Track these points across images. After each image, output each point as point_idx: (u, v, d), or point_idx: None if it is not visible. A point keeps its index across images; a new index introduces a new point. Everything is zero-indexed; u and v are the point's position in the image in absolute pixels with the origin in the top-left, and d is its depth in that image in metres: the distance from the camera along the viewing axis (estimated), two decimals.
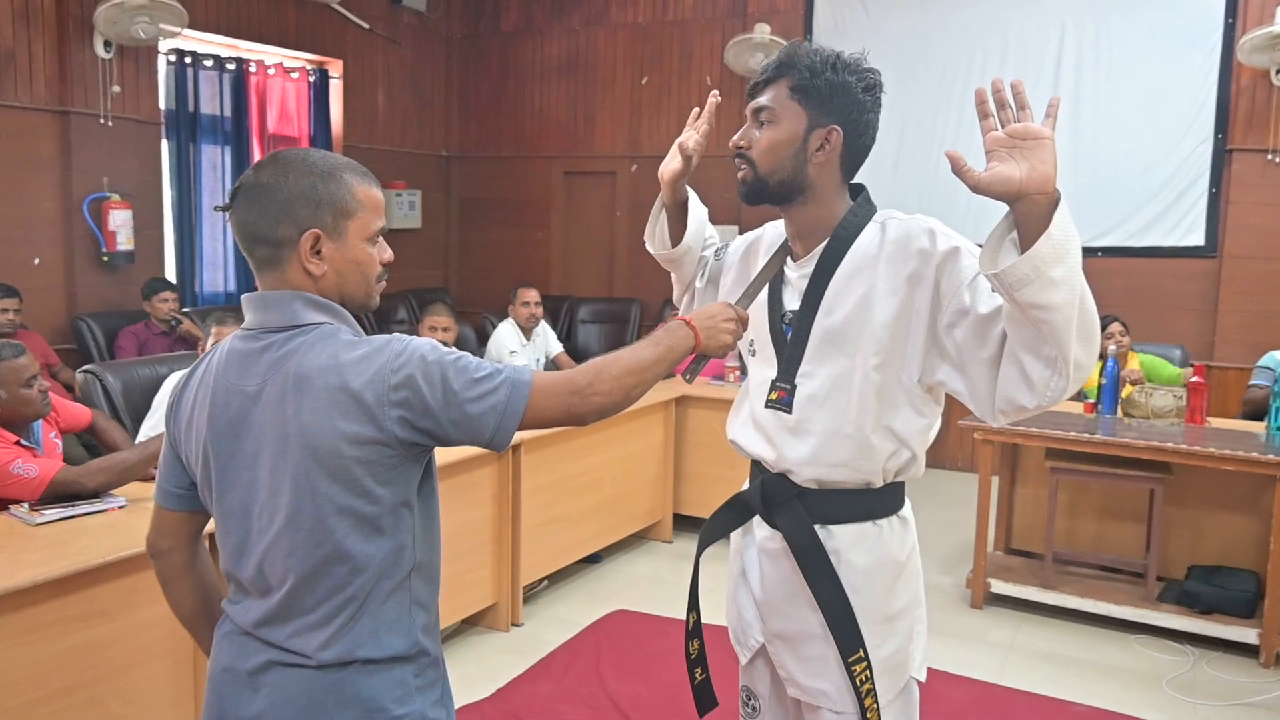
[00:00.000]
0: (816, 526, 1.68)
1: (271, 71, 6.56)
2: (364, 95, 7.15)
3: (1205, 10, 5.70)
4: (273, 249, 1.36)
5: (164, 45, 5.80)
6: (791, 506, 1.70)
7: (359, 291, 1.41)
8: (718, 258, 1.99)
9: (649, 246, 2.00)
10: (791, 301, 1.72)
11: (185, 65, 6.00)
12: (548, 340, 5.41)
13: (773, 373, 1.73)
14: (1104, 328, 4.74)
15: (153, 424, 3.44)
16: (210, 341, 3.52)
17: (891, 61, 6.36)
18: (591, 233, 7.66)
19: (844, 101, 1.63)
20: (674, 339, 1.49)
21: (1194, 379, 4.22)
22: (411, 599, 1.40)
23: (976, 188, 1.37)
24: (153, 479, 2.98)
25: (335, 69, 6.91)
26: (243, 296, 1.42)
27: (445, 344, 4.43)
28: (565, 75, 7.56)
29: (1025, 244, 1.37)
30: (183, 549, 1.53)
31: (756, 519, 1.79)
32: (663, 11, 7.18)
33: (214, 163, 6.29)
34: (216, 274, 6.42)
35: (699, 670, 1.94)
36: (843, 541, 1.68)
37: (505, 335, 5.13)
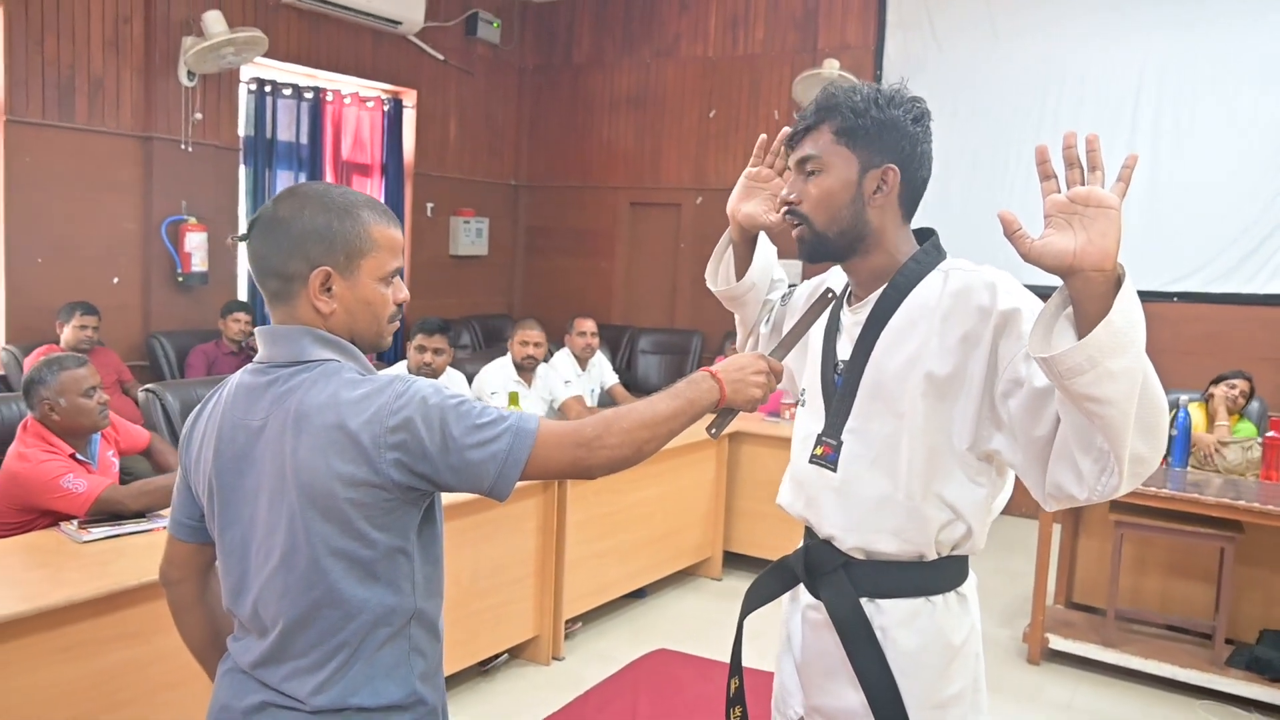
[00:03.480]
0: (864, 600, 1.56)
1: (347, 100, 6.74)
2: (436, 124, 7.29)
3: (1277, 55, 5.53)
4: (283, 283, 1.34)
5: (245, 74, 6.00)
6: (836, 577, 1.58)
7: (369, 331, 1.39)
8: (784, 302, 1.89)
9: (710, 283, 1.91)
10: (845, 350, 1.61)
11: (265, 94, 6.19)
12: (603, 371, 5.42)
13: (819, 426, 1.62)
14: (1229, 380, 4.60)
15: None
16: None
17: (963, 95, 6.29)
18: (655, 264, 7.68)
19: (894, 137, 1.53)
20: (696, 392, 1.42)
21: (1270, 434, 4.05)
22: (410, 646, 1.36)
23: (1027, 257, 1.25)
24: None
25: (409, 98, 7.07)
26: (255, 330, 1.42)
27: (535, 359, 4.30)
28: (634, 107, 7.62)
29: (1081, 324, 1.24)
30: (193, 580, 1.53)
31: (801, 585, 1.68)
32: (732, 46, 7.20)
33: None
34: None
35: None
36: (891, 618, 1.55)
37: (492, 374, 4.63)
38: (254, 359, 1.42)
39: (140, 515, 2.78)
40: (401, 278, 1.43)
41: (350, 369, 1.34)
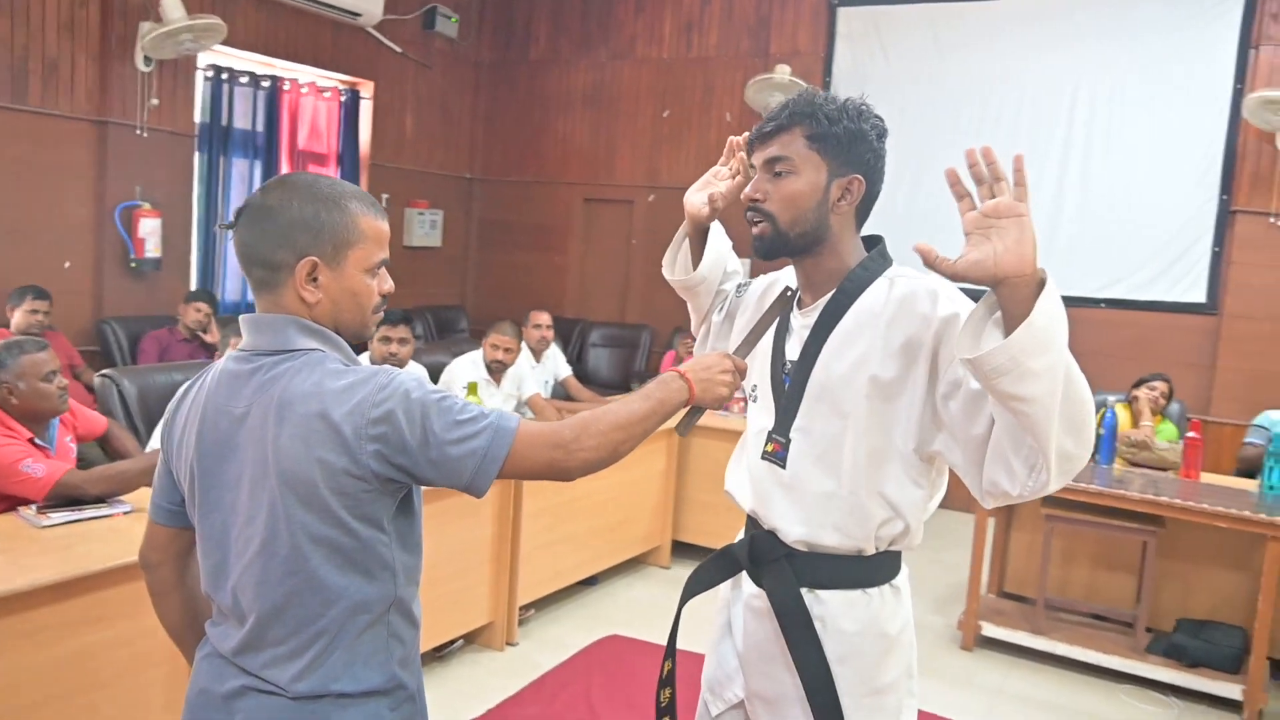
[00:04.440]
0: (804, 590, 1.61)
1: (304, 90, 6.74)
2: (393, 116, 7.31)
3: (1216, 72, 5.79)
4: (269, 272, 1.35)
5: (202, 60, 5.98)
6: (779, 567, 1.64)
7: (354, 321, 1.40)
8: (739, 293, 1.93)
9: (666, 273, 1.96)
10: (793, 351, 1.66)
11: (221, 81, 6.18)
12: (557, 364, 5.52)
13: (770, 423, 1.67)
14: (1150, 382, 4.84)
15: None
16: (226, 353, 3.62)
17: (910, 107, 6.49)
18: (608, 259, 7.79)
19: (862, 149, 1.58)
20: (666, 392, 1.45)
21: (1191, 435, 4.30)
22: (389, 633, 1.38)
23: (953, 277, 1.31)
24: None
25: (366, 90, 7.08)
26: (240, 317, 1.43)
27: (504, 364, 4.33)
28: (589, 105, 7.72)
29: (1009, 327, 1.28)
30: (172, 564, 1.53)
31: (744, 573, 1.73)
32: (686, 49, 7.33)
33: (244, 175, 6.46)
34: (238, 283, 6.57)
35: (667, 719, 1.87)
36: (830, 608, 1.61)
37: (463, 368, 4.73)
38: (239, 346, 1.42)
39: (100, 500, 2.76)
40: (387, 269, 1.44)
41: (334, 359, 1.35)
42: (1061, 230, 6.12)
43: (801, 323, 1.67)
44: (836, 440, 1.58)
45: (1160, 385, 4.87)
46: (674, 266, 1.95)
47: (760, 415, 1.71)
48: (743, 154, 1.81)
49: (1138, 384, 4.94)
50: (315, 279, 1.36)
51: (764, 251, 1.64)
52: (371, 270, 1.40)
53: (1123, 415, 4.79)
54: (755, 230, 1.63)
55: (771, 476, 1.66)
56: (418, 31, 7.38)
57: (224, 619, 1.42)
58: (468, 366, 4.62)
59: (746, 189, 1.65)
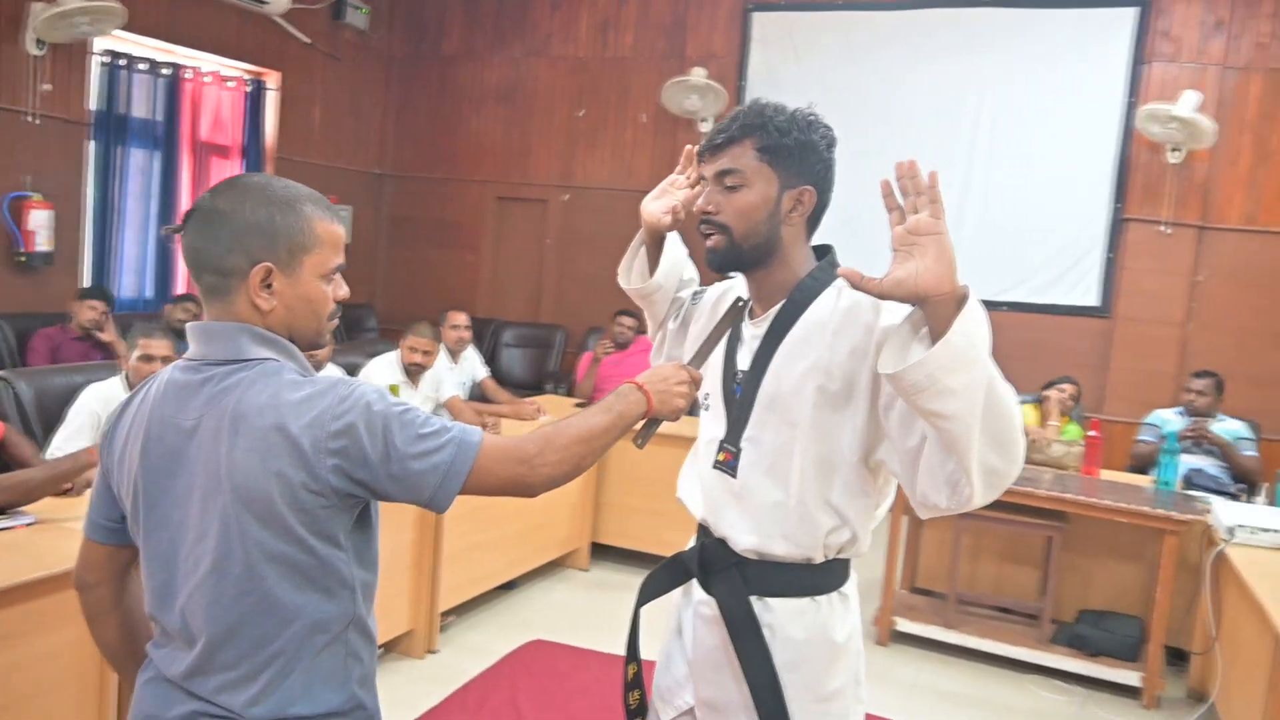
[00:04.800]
0: (753, 598, 1.62)
1: (207, 79, 6.49)
2: (300, 109, 7.11)
3: (1109, 86, 6.06)
4: (221, 278, 1.30)
5: (97, 45, 5.70)
6: (729, 575, 1.64)
7: (309, 329, 1.36)
8: (694, 301, 1.92)
9: (622, 281, 1.94)
10: (744, 361, 1.66)
11: (119, 67, 5.90)
12: (474, 365, 5.44)
13: (721, 432, 1.67)
14: (1059, 384, 5.02)
15: (64, 437, 3.35)
16: (136, 355, 3.46)
17: (821, 109, 6.57)
18: (521, 258, 7.72)
19: (812, 160, 1.59)
20: (625, 404, 1.43)
21: (1091, 434, 4.49)
22: (348, 651, 1.34)
23: (880, 296, 1.33)
24: (63, 494, 2.92)
25: (272, 81, 6.86)
26: (187, 326, 1.36)
27: (422, 366, 4.23)
28: (503, 102, 7.64)
29: (934, 343, 1.30)
30: (110, 584, 1.46)
31: (694, 580, 1.73)
32: (602, 48, 7.32)
33: (142, 167, 6.18)
34: (135, 280, 6.30)
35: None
36: (779, 616, 1.62)
37: (380, 369, 4.57)
38: (185, 355, 1.36)
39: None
40: (342, 274, 1.39)
41: (290, 369, 1.31)
42: (964, 235, 6.31)
43: (752, 333, 1.68)
44: (786, 450, 1.59)
45: (1069, 388, 5.07)
46: (630, 274, 1.94)
47: (712, 424, 1.71)
48: (688, 150, 1.81)
49: (1048, 385, 5.13)
50: (269, 285, 1.31)
51: (718, 264, 1.65)
52: (327, 276, 1.36)
53: (1030, 415, 4.98)
54: (709, 243, 1.63)
55: (722, 485, 1.66)
56: (327, 22, 7.19)
57: (169, 641, 1.35)
58: (385, 368, 4.52)
59: (699, 201, 1.65)
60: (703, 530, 1.74)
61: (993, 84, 6.30)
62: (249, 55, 6.62)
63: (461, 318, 5.25)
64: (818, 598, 1.64)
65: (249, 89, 6.74)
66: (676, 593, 1.81)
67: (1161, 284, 5.97)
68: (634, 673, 1.87)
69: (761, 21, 6.82)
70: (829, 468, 1.58)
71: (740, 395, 1.65)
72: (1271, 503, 3.96)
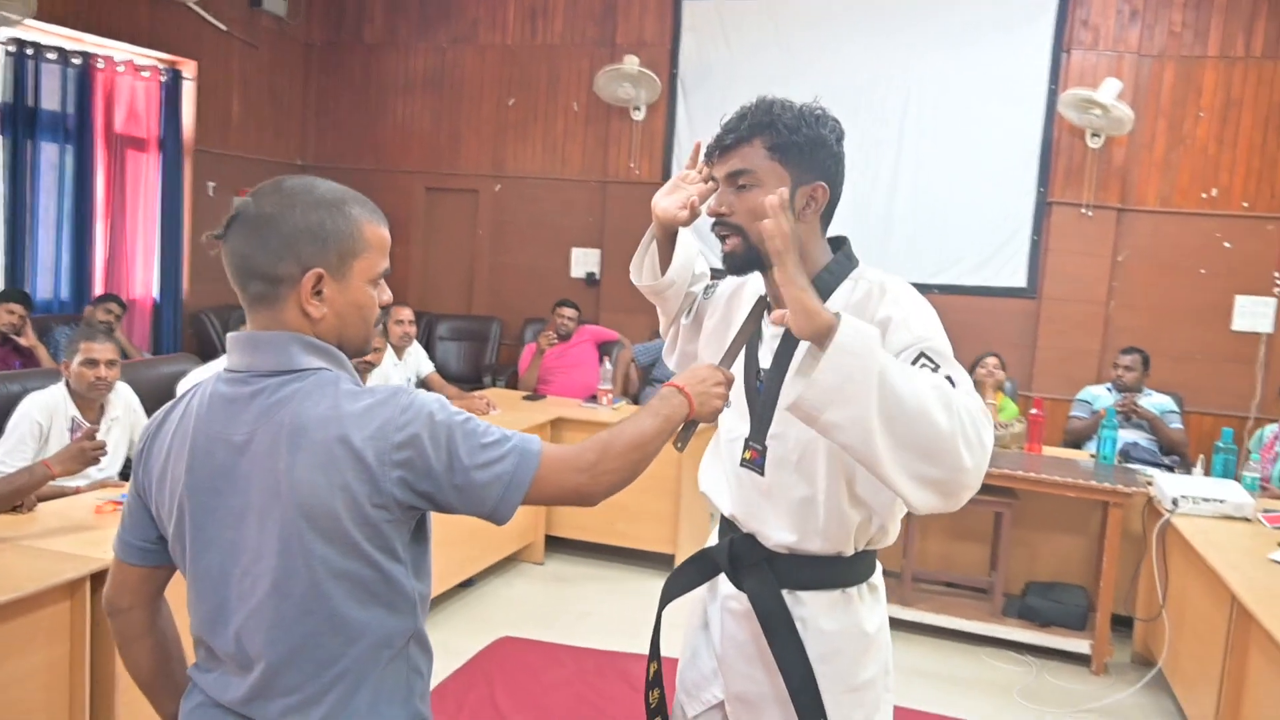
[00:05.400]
0: (784, 592, 1.63)
1: (121, 69, 6.19)
2: (218, 99, 6.85)
3: (1032, 73, 6.23)
4: (270, 286, 1.25)
5: (3, 34, 5.39)
6: (760, 570, 1.65)
7: (358, 336, 1.32)
8: (706, 295, 1.93)
9: (635, 279, 1.91)
10: (766, 359, 1.67)
11: (26, 57, 5.59)
12: (419, 360, 5.34)
13: (745, 430, 1.68)
14: (982, 361, 5.16)
15: (6, 450, 3.17)
16: (78, 360, 3.30)
17: (753, 98, 6.65)
18: (453, 250, 7.60)
19: (823, 155, 1.59)
20: (670, 408, 1.42)
21: (1034, 412, 4.64)
22: (409, 666, 1.31)
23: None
24: (13, 511, 2.78)
25: (189, 70, 6.59)
26: (229, 335, 1.32)
27: (371, 365, 4.11)
28: (430, 91, 7.49)
29: None
30: (144, 607, 1.40)
31: (722, 575, 1.74)
32: (531, 35, 7.24)
33: (53, 163, 5.88)
34: (50, 281, 6.00)
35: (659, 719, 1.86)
36: (811, 609, 1.63)
37: None
38: (226, 366, 1.30)
39: None
40: (386, 278, 1.36)
41: (345, 379, 1.27)
42: (896, 219, 6.46)
43: (772, 331, 1.67)
44: (811, 446, 1.59)
45: (991, 360, 5.21)
46: (641, 271, 1.92)
47: (736, 421, 1.72)
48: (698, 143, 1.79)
49: (976, 364, 5.27)
50: (319, 292, 1.27)
51: (735, 266, 1.65)
52: (375, 281, 1.32)
53: None
54: (725, 246, 1.64)
55: (752, 483, 1.67)
56: (243, 9, 6.94)
57: (217, 665, 1.30)
58: None
59: (711, 203, 1.65)
60: (729, 525, 1.74)
61: (921, 70, 6.42)
62: (163, 44, 6.35)
63: (406, 312, 5.15)
64: (848, 589, 1.66)
65: (164, 79, 6.46)
66: (703, 590, 1.81)
67: (1084, 264, 6.19)
68: (654, 671, 1.87)
69: (691, 9, 6.82)
70: (853, 462, 1.56)
71: (763, 393, 1.66)
72: (1208, 474, 4.16)
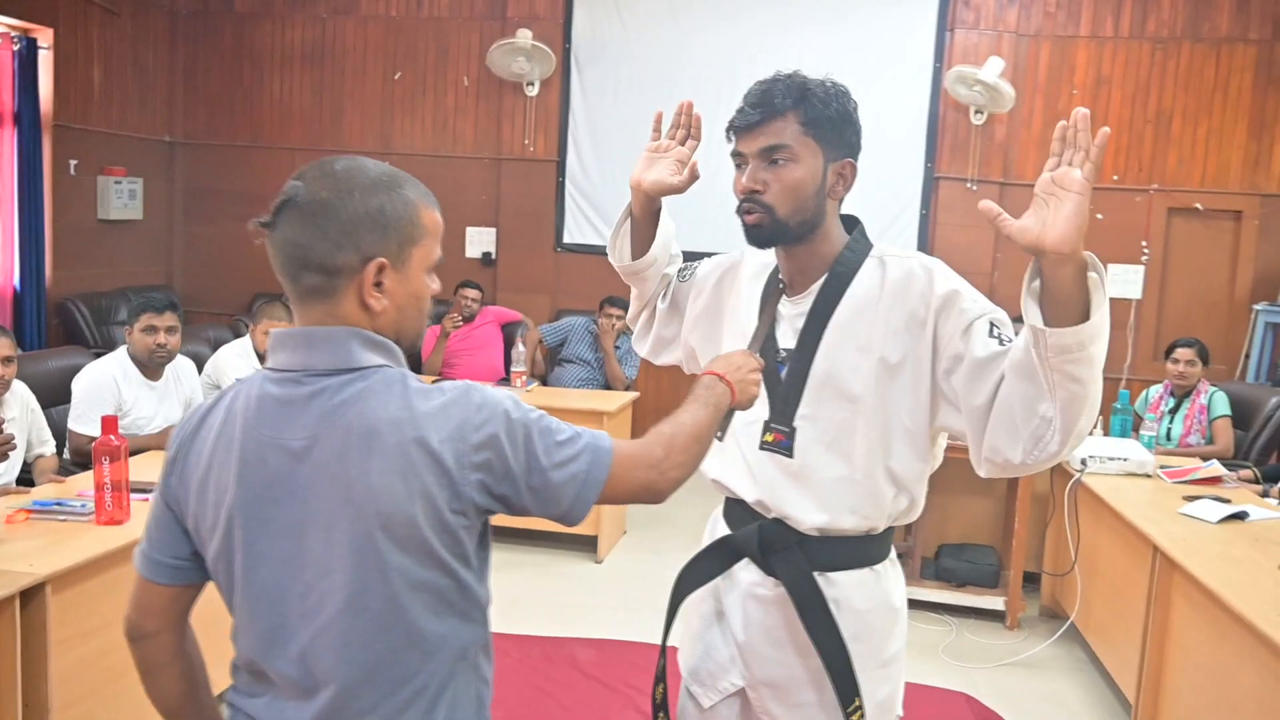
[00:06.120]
0: (815, 574, 1.62)
1: None
2: (78, 70, 6.35)
3: (919, 51, 6.43)
4: (326, 278, 1.16)
5: None
6: (791, 554, 1.63)
7: (414, 329, 1.24)
8: (682, 278, 1.90)
9: (613, 259, 1.88)
10: (786, 339, 1.65)
11: None
12: None
13: (765, 413, 1.64)
14: None
15: None
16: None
17: (649, 76, 6.63)
18: None
19: (849, 132, 1.59)
20: (715, 396, 1.39)
21: None
22: (479, 677, 1.26)
23: (1008, 236, 1.33)
24: None
25: (45, 38, 6.08)
26: (275, 333, 1.22)
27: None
28: (310, 64, 7.15)
29: (1049, 301, 1.32)
30: (173, 629, 1.30)
31: (741, 562, 1.71)
32: (417, 7, 6.98)
33: None
34: None
35: (662, 715, 1.85)
36: (843, 590, 1.63)
37: (232, 359, 4.17)
38: (271, 365, 1.20)
39: None
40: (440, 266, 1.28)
41: (410, 376, 1.20)
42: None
43: (795, 310, 1.66)
44: (847, 425, 1.59)
45: None
46: (620, 252, 1.87)
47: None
48: (697, 115, 1.78)
49: None
50: (379, 284, 1.18)
51: (761, 240, 1.62)
52: (431, 269, 1.25)
53: None
54: (750, 219, 1.60)
55: (777, 466, 1.64)
56: None
57: (268, 689, 1.21)
58: (237, 358, 4.15)
59: (744, 180, 1.60)
60: (744, 510, 1.71)
61: (812, 46, 6.51)
62: (15, 9, 5.83)
63: None
64: (875, 567, 1.67)
65: (18, 47, 5.94)
66: (716, 581, 1.77)
67: (970, 237, 6.43)
68: (663, 666, 1.85)
69: None
70: (891, 438, 1.59)
71: (787, 374, 1.64)
72: (1106, 434, 4.40)
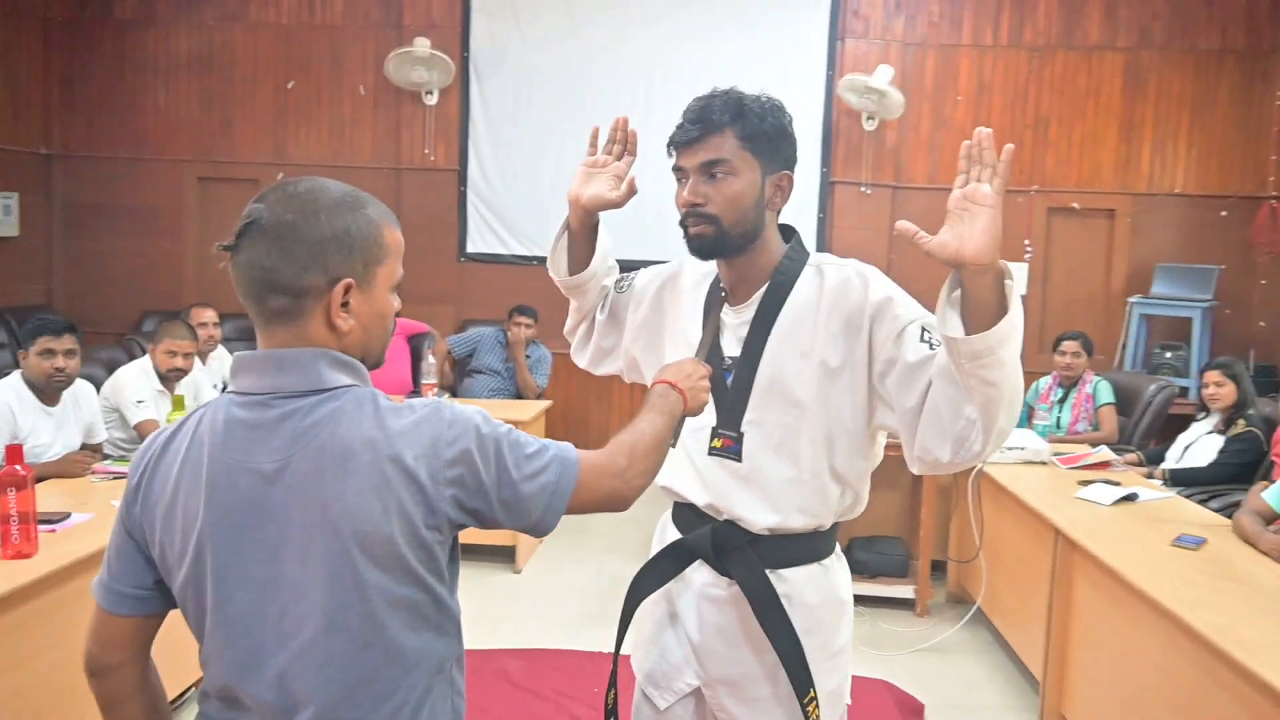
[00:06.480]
0: (767, 572, 1.67)
1: None
2: None
3: (812, 60, 6.60)
4: (293, 300, 1.16)
5: None
6: (744, 554, 1.68)
7: (379, 348, 1.25)
8: (620, 289, 1.94)
9: (553, 273, 1.90)
10: (731, 347, 1.70)
11: None
12: (224, 365, 4.98)
13: (711, 419, 1.69)
14: None
15: None
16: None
17: (549, 84, 6.65)
18: None
19: (785, 144, 1.66)
20: (669, 404, 1.43)
21: None
22: (454, 690, 1.27)
23: (927, 253, 1.38)
24: None
25: None
26: (237, 356, 1.22)
27: (183, 371, 3.80)
28: (197, 73, 6.92)
29: (970, 310, 1.38)
30: (136, 661, 1.27)
31: (694, 565, 1.76)
32: (309, 15, 6.84)
33: None
34: None
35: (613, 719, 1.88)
36: (795, 585, 1.69)
37: (132, 380, 4.00)
38: (236, 389, 1.19)
39: None
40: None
41: (380, 395, 1.20)
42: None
43: (738, 319, 1.71)
44: (793, 428, 1.65)
45: None
46: (560, 266, 1.90)
47: None
48: (633, 131, 1.82)
49: None
50: (346, 303, 1.18)
51: (705, 251, 1.66)
52: (394, 288, 1.25)
53: None
54: (695, 231, 1.64)
55: (726, 471, 1.70)
56: None
57: (241, 713, 1.20)
58: (138, 378, 4.00)
59: (685, 194, 1.64)
60: (695, 514, 1.75)
61: (711, 60, 6.61)
62: None
63: (209, 314, 4.79)
64: (824, 562, 1.75)
65: None
66: (667, 588, 1.81)
67: (865, 239, 6.63)
68: (614, 699, 1.87)
69: None
70: (834, 439, 1.66)
71: (733, 381, 1.69)
72: None
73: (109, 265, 7.02)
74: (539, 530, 1.24)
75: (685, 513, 1.79)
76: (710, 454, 1.71)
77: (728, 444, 1.68)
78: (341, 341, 1.20)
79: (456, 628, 1.26)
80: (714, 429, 1.70)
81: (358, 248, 1.18)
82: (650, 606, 1.84)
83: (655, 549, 1.85)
